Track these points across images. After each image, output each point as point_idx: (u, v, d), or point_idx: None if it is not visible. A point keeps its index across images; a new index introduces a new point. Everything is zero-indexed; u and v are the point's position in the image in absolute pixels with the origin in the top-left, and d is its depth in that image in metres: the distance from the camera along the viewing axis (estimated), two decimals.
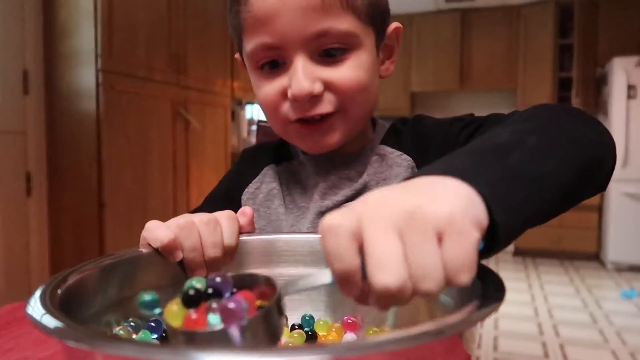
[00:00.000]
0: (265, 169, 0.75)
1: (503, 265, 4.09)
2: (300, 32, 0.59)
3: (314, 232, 0.64)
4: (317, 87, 0.60)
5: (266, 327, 0.33)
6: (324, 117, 0.63)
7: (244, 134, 4.19)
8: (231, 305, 0.32)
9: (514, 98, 4.85)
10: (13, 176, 2.30)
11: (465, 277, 0.30)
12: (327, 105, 0.62)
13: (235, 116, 3.95)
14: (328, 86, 0.61)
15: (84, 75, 2.36)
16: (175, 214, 2.49)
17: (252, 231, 0.55)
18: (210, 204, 0.78)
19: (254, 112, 4.59)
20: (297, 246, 0.53)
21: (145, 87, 2.65)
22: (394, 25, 0.69)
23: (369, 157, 0.69)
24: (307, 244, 0.53)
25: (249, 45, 0.63)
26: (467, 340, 0.32)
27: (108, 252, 0.48)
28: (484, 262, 0.39)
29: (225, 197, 0.79)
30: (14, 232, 2.29)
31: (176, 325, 0.33)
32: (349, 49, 0.61)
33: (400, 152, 0.68)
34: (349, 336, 0.48)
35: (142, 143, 2.64)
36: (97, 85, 2.34)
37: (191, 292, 0.34)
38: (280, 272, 0.53)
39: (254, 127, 3.76)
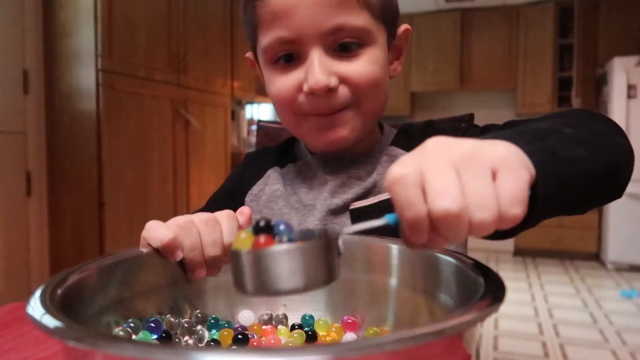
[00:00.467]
0: (269, 171, 0.76)
1: (503, 265, 4.09)
2: (317, 27, 0.60)
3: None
4: (333, 81, 0.62)
5: (325, 256, 0.35)
6: (338, 111, 0.64)
7: (244, 133, 4.19)
8: (297, 230, 0.36)
9: (514, 98, 4.85)
10: (13, 176, 2.30)
11: (517, 210, 0.32)
12: (342, 99, 0.63)
13: (235, 116, 3.95)
14: (343, 80, 0.63)
15: (84, 75, 2.36)
16: (176, 213, 2.49)
17: None
18: (213, 206, 0.78)
19: (254, 112, 4.59)
20: None
21: (145, 87, 2.65)
22: (403, 27, 0.71)
23: (378, 157, 0.70)
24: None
25: (265, 39, 0.64)
26: (467, 340, 0.32)
27: (108, 252, 0.48)
28: (484, 261, 0.39)
29: (228, 200, 0.79)
30: (14, 232, 2.29)
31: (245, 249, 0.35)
32: (363, 44, 0.63)
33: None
34: (349, 336, 0.48)
35: (142, 143, 2.64)
36: (97, 85, 2.34)
37: (262, 222, 0.36)
38: None
39: (254, 127, 3.74)
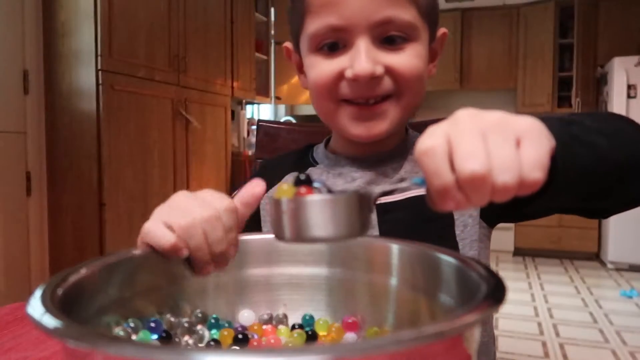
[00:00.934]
0: (287, 176, 0.76)
1: (503, 265, 4.10)
2: (367, 17, 0.61)
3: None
4: (379, 69, 0.62)
5: (358, 210, 0.38)
6: (378, 102, 0.65)
7: (244, 133, 4.19)
8: (330, 188, 0.39)
9: (513, 98, 4.85)
10: (13, 176, 2.30)
11: (538, 174, 0.34)
12: (384, 88, 0.64)
13: (235, 116, 3.95)
14: (388, 70, 0.63)
15: (84, 75, 2.36)
16: None
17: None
18: None
19: (254, 112, 4.59)
20: (298, 246, 0.53)
21: (146, 86, 2.65)
22: (442, 30, 0.72)
23: (405, 155, 0.71)
24: (307, 244, 0.53)
25: (313, 26, 0.65)
26: (467, 340, 0.32)
27: (108, 252, 0.48)
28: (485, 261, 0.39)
29: None
30: (14, 232, 2.29)
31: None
32: (408, 39, 0.64)
33: None
34: (349, 336, 0.48)
35: (142, 143, 2.64)
36: (97, 85, 2.34)
37: (302, 176, 0.39)
38: (280, 272, 0.53)
39: (254, 127, 3.74)
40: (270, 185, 0.75)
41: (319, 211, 0.36)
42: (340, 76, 0.64)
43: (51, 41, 2.40)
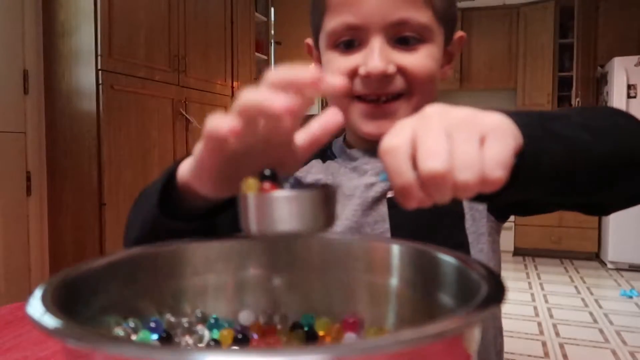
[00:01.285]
0: (313, 161, 0.77)
1: (503, 265, 4.08)
2: (384, 17, 0.63)
3: (357, 219, 0.68)
4: (391, 68, 0.64)
5: (325, 203, 0.39)
6: (389, 100, 0.66)
7: None
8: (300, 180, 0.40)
9: (513, 98, 4.85)
10: (13, 176, 2.30)
11: (499, 173, 0.34)
12: (396, 87, 0.66)
13: None
14: (400, 70, 0.65)
15: (84, 74, 2.36)
16: None
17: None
18: None
19: None
20: (298, 246, 0.53)
21: (146, 86, 2.65)
22: (459, 33, 0.74)
23: None
24: (308, 244, 0.53)
25: (331, 23, 0.66)
26: (467, 340, 0.32)
27: (108, 252, 0.48)
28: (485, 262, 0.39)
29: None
30: (14, 231, 2.29)
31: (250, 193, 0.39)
32: (422, 40, 0.65)
33: None
34: (349, 336, 0.48)
35: (143, 142, 2.64)
36: (97, 84, 2.34)
37: (267, 172, 0.40)
38: (280, 272, 0.53)
39: None
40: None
41: (282, 206, 0.38)
42: (354, 73, 0.66)
43: (51, 41, 2.40)
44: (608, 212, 0.61)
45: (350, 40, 0.66)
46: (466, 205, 0.69)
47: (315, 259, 0.52)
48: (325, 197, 0.39)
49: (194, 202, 0.51)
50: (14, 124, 2.30)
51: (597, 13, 4.32)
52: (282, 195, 0.38)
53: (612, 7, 4.25)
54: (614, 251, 3.89)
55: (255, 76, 4.04)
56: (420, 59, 0.65)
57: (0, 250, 2.23)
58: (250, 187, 0.39)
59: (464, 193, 0.35)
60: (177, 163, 0.52)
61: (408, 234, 0.68)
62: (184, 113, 2.96)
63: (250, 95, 0.39)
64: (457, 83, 4.87)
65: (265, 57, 4.41)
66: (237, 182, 0.41)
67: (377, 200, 0.69)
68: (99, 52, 2.33)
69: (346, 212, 0.69)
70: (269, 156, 0.44)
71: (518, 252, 4.41)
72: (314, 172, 0.75)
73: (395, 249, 0.49)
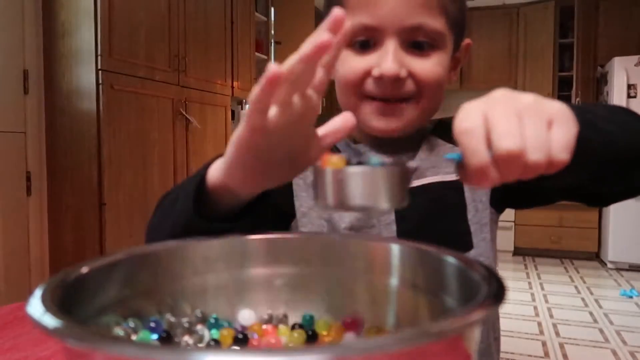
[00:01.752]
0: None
1: (503, 265, 4.09)
2: (400, 21, 0.64)
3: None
4: (403, 72, 0.65)
5: (401, 181, 0.41)
6: (398, 101, 0.68)
7: None
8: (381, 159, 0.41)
9: None
10: (13, 176, 2.30)
11: (565, 155, 0.38)
12: (406, 90, 0.67)
13: (235, 116, 3.95)
14: (411, 74, 0.66)
15: (84, 74, 2.36)
16: None
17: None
18: None
19: None
20: (298, 245, 0.53)
21: (146, 86, 2.65)
22: (466, 40, 0.76)
23: (420, 144, 0.75)
24: (308, 243, 0.53)
25: (347, 23, 0.67)
26: (468, 340, 0.32)
27: (108, 252, 0.48)
28: (485, 260, 0.39)
29: None
30: (14, 231, 2.29)
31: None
32: (434, 46, 0.67)
33: (452, 145, 0.74)
34: (349, 336, 0.48)
35: (143, 142, 2.64)
36: (97, 84, 2.34)
37: (355, 160, 0.41)
38: (280, 272, 0.53)
39: None
40: None
41: (361, 181, 0.39)
42: (367, 73, 0.67)
43: (51, 41, 2.40)
44: (608, 203, 0.65)
45: (366, 41, 0.67)
46: (468, 196, 0.70)
47: (316, 258, 0.52)
48: (401, 175, 0.41)
49: (227, 202, 0.53)
50: (14, 124, 2.30)
51: (597, 13, 4.32)
52: (360, 171, 0.39)
53: (612, 7, 4.25)
54: (614, 251, 3.89)
55: (256, 76, 4.04)
56: (431, 66, 0.66)
57: (0, 250, 2.23)
58: (334, 164, 0.40)
59: (532, 172, 0.38)
60: (206, 165, 0.53)
61: (413, 224, 0.69)
62: (184, 113, 2.96)
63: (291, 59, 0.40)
64: (457, 83, 4.87)
65: (265, 57, 4.41)
66: (266, 176, 0.46)
67: None
68: (99, 52, 2.33)
69: None
70: (293, 150, 0.47)
71: (518, 251, 4.41)
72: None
73: (395, 248, 0.49)
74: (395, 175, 0.40)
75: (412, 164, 0.41)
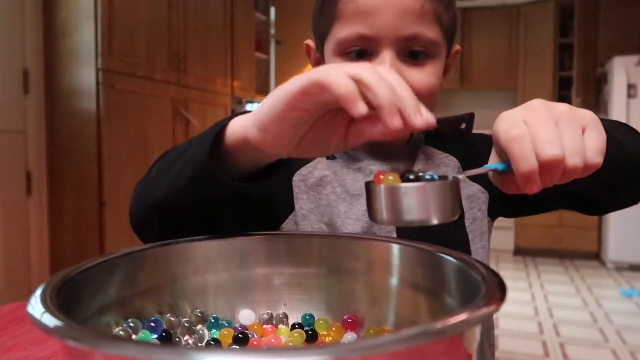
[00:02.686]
0: (317, 157, 0.77)
1: (503, 265, 4.09)
2: (396, 31, 0.64)
3: (367, 219, 0.67)
4: None
5: (451, 194, 0.42)
6: None
7: None
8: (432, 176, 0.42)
9: (514, 97, 4.85)
10: (13, 175, 2.30)
11: (599, 159, 0.41)
12: None
13: None
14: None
15: (84, 74, 2.36)
16: None
17: None
18: None
19: None
20: (298, 245, 0.53)
21: (146, 86, 2.65)
22: (456, 47, 0.76)
23: (415, 153, 0.75)
24: (308, 243, 0.53)
25: (343, 32, 0.67)
26: (468, 340, 0.32)
27: (108, 251, 0.48)
28: (485, 261, 0.39)
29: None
30: (14, 231, 2.29)
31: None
32: (429, 55, 0.67)
33: (447, 154, 0.74)
34: (349, 336, 0.48)
35: (143, 142, 2.64)
36: (97, 84, 2.34)
37: (411, 176, 0.42)
38: (280, 272, 0.53)
39: None
40: (302, 161, 0.76)
41: (415, 197, 0.40)
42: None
43: (51, 40, 2.40)
44: (605, 213, 0.68)
45: (362, 50, 0.67)
46: (465, 204, 0.71)
47: (316, 258, 0.52)
48: (452, 188, 0.42)
49: (244, 160, 0.51)
50: (14, 124, 2.30)
51: (597, 12, 4.31)
52: (414, 187, 0.41)
53: (613, 6, 4.25)
54: (614, 251, 3.89)
55: (255, 75, 4.04)
56: (426, 76, 0.67)
57: (0, 249, 2.23)
58: (389, 180, 0.42)
59: (569, 176, 0.41)
60: (221, 122, 0.52)
61: (413, 231, 0.69)
62: (184, 112, 2.96)
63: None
64: (457, 83, 4.86)
65: (265, 57, 4.41)
66: (301, 139, 0.46)
67: None
68: (99, 52, 2.33)
69: (356, 213, 0.70)
70: (325, 133, 0.47)
71: (518, 251, 4.41)
72: (320, 167, 0.75)
73: (396, 248, 0.49)
74: (446, 188, 0.41)
75: (459, 176, 0.43)
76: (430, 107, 0.70)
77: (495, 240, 4.78)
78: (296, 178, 0.76)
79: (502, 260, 4.23)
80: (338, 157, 0.77)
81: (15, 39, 2.29)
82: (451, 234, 0.69)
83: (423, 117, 0.41)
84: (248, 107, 4.35)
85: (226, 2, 3.46)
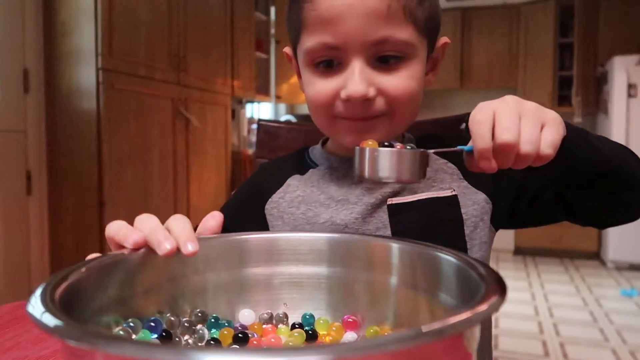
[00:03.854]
0: (289, 179, 0.76)
1: (503, 264, 4.09)
2: (363, 37, 0.61)
3: (358, 227, 0.69)
4: (372, 92, 0.62)
5: (420, 162, 0.52)
6: (372, 118, 0.66)
7: (244, 132, 4.19)
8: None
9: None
10: (13, 175, 2.30)
11: (550, 151, 0.48)
12: (377, 108, 0.64)
13: (235, 115, 3.95)
14: (381, 91, 0.63)
15: (85, 74, 2.36)
16: (176, 212, 2.49)
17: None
18: (228, 219, 0.80)
19: (254, 111, 4.59)
20: (298, 245, 0.53)
21: (146, 85, 2.65)
22: (443, 39, 0.72)
23: None
24: (308, 243, 0.53)
25: (309, 42, 0.64)
26: (468, 339, 0.32)
27: (108, 251, 0.48)
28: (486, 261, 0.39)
29: (244, 209, 0.79)
30: (14, 231, 2.29)
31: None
32: (404, 57, 0.64)
33: (446, 160, 0.73)
34: (349, 335, 0.48)
35: (143, 142, 2.64)
36: (98, 84, 2.34)
37: (386, 143, 0.53)
38: (280, 271, 0.53)
39: (254, 126, 3.76)
40: (272, 187, 0.77)
41: (387, 159, 0.51)
42: (335, 95, 0.65)
43: (51, 40, 2.40)
44: (606, 226, 0.74)
45: (330, 60, 0.64)
46: (466, 212, 0.69)
47: (315, 258, 0.52)
48: (421, 157, 0.52)
49: None
50: (15, 123, 2.30)
51: (597, 12, 4.31)
52: (388, 150, 0.52)
53: (613, 6, 4.24)
54: (614, 250, 3.89)
55: (255, 75, 4.04)
56: (401, 81, 0.63)
57: (1, 249, 2.23)
58: (370, 145, 0.53)
59: (522, 162, 0.48)
60: None
61: (409, 237, 0.68)
62: (184, 112, 2.96)
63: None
64: (457, 82, 4.86)
65: (266, 56, 4.41)
66: None
67: (376, 207, 0.69)
68: (99, 51, 2.33)
69: (343, 218, 0.69)
70: None
71: (518, 251, 4.41)
72: (290, 190, 0.75)
73: (395, 248, 0.49)
74: (413, 156, 0.51)
75: (429, 151, 0.53)
76: (412, 111, 0.68)
77: (496, 240, 4.75)
78: (269, 207, 0.75)
79: (502, 260, 4.23)
80: (319, 164, 0.77)
81: (16, 39, 2.29)
82: (448, 242, 0.67)
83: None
84: (248, 106, 4.35)
85: (226, 1, 3.46)
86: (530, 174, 0.63)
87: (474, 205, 0.69)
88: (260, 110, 4.75)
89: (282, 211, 0.73)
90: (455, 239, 0.68)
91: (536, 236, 4.29)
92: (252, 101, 4.38)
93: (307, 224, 0.71)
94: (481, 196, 0.70)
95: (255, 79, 4.02)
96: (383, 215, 0.69)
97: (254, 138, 3.96)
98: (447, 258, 0.43)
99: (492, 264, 2.87)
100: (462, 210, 0.69)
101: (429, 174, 0.71)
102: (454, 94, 5.11)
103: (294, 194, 0.74)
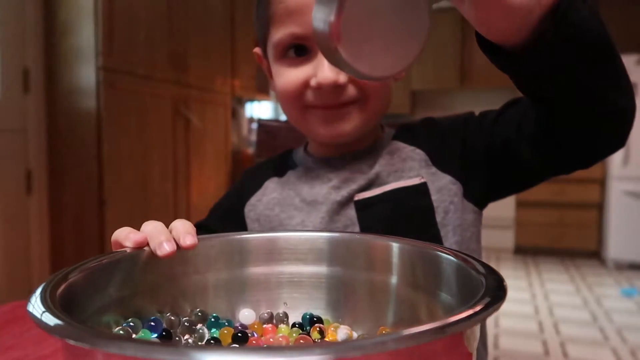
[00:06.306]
0: (266, 182, 0.77)
1: (504, 264, 4.09)
2: None
3: (324, 226, 0.67)
4: (342, 78, 0.63)
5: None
6: (343, 106, 0.66)
7: (245, 132, 4.19)
8: None
9: (514, 96, 4.84)
10: (13, 174, 2.30)
11: None
12: (348, 95, 0.65)
13: (235, 114, 3.95)
14: (352, 79, 0.64)
15: (85, 73, 2.36)
16: (176, 211, 2.49)
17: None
18: (213, 217, 0.80)
19: (254, 111, 4.59)
20: (298, 244, 0.53)
21: (146, 85, 2.65)
22: None
23: (380, 152, 0.72)
24: (308, 242, 0.53)
25: (278, 34, 0.65)
26: (468, 339, 0.32)
27: (108, 250, 0.48)
28: (485, 259, 0.39)
29: (227, 213, 0.80)
30: (14, 230, 2.29)
31: None
32: None
33: (414, 147, 0.71)
34: (343, 330, 0.48)
35: (143, 141, 2.64)
36: (98, 83, 2.34)
37: None
38: (281, 271, 0.53)
39: (255, 126, 3.75)
40: (251, 191, 0.77)
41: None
42: (305, 84, 0.65)
43: (52, 39, 2.40)
44: (596, 155, 0.59)
45: (301, 46, 0.65)
46: (436, 199, 0.67)
47: (315, 257, 0.52)
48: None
49: None
50: (15, 122, 2.30)
51: None
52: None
53: (612, 5, 4.24)
54: (614, 249, 3.89)
55: (256, 74, 4.04)
56: None
57: (1, 248, 2.23)
58: None
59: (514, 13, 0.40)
60: None
61: (379, 232, 0.67)
62: (184, 112, 2.96)
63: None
64: (457, 82, 4.86)
65: None
66: None
67: (343, 204, 0.69)
68: (99, 51, 2.32)
69: (313, 220, 0.69)
70: None
71: (518, 250, 4.41)
72: (268, 193, 0.75)
73: (395, 247, 0.49)
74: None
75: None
76: (383, 99, 0.68)
77: (495, 239, 4.79)
78: (247, 209, 0.76)
79: (503, 259, 4.23)
80: (299, 164, 0.77)
81: (16, 38, 2.28)
82: (420, 231, 0.66)
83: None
84: (248, 106, 4.35)
85: (226, 1, 3.46)
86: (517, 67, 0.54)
87: (441, 189, 0.67)
88: (261, 109, 4.75)
89: (258, 213, 0.74)
90: (427, 228, 0.66)
91: (536, 235, 4.29)
92: (252, 100, 4.38)
93: (281, 226, 0.71)
94: (446, 178, 0.68)
95: (255, 78, 4.01)
96: (351, 212, 0.68)
97: (254, 137, 3.96)
98: (448, 257, 0.43)
99: (492, 264, 2.88)
100: (433, 198, 0.67)
101: (396, 164, 0.70)
102: (454, 94, 5.11)
103: (270, 196, 0.74)
